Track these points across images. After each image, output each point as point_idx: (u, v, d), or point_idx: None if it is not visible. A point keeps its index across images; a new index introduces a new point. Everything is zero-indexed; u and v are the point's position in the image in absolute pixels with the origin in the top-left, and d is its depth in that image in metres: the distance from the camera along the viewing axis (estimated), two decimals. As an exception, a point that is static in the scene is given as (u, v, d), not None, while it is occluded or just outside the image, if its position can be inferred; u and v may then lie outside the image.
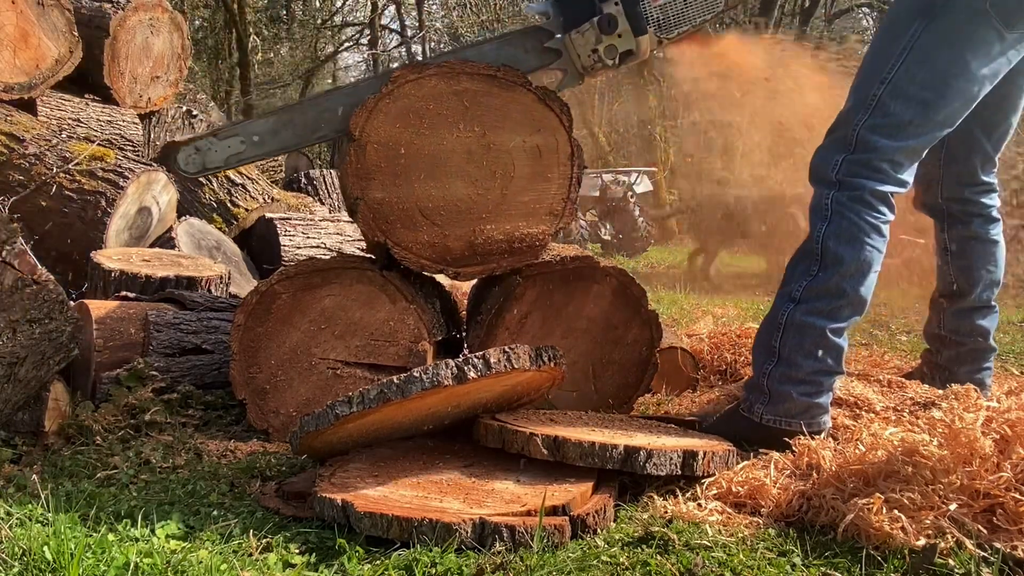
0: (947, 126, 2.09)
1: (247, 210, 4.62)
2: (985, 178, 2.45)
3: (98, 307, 2.70)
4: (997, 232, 2.49)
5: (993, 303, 2.53)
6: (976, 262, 2.48)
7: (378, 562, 1.52)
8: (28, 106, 4.19)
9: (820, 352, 2.09)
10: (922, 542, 1.57)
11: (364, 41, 20.70)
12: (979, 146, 2.39)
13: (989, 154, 2.42)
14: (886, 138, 2.04)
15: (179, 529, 1.65)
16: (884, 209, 2.09)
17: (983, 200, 2.46)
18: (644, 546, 1.61)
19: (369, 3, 19.80)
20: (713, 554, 1.57)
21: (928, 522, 1.61)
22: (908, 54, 2.03)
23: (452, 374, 1.75)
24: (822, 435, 2.13)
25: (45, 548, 1.44)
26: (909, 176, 2.11)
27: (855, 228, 2.06)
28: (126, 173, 3.87)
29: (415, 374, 1.74)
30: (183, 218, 4.23)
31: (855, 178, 2.07)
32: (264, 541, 1.60)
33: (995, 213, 2.48)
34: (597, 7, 2.43)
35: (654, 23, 2.42)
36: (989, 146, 2.40)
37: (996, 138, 2.39)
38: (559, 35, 2.50)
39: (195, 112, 5.60)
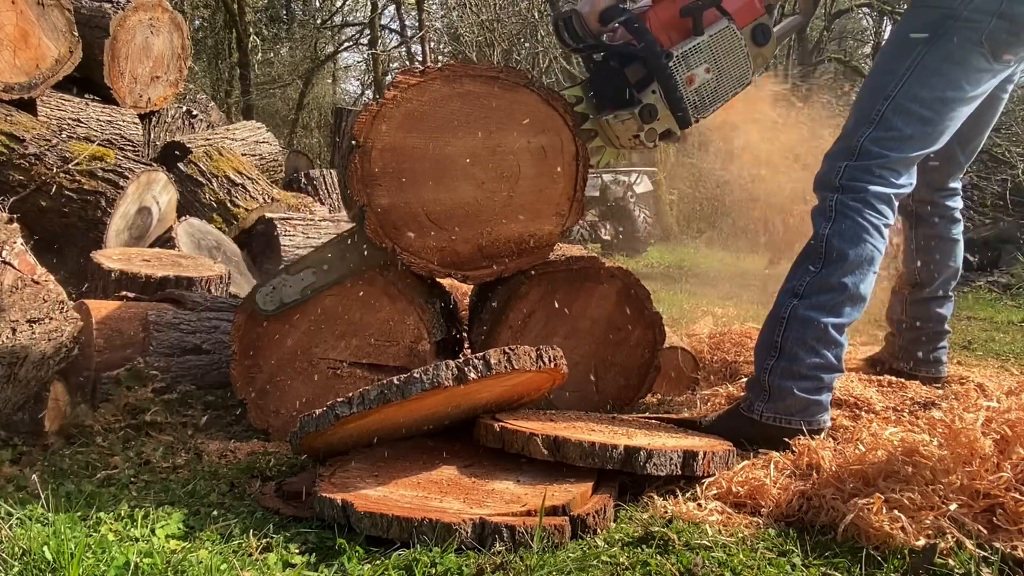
0: (941, 141, 2.24)
1: (247, 210, 4.62)
2: (952, 184, 2.70)
3: (98, 307, 2.70)
4: (958, 232, 2.74)
5: (950, 293, 2.77)
6: (938, 258, 2.72)
7: (378, 562, 1.52)
8: (28, 106, 4.19)
9: (821, 347, 2.13)
10: (922, 542, 1.57)
11: (364, 41, 20.69)
12: (953, 157, 2.60)
13: (960, 164, 2.66)
14: (888, 150, 2.17)
15: (179, 529, 1.65)
16: (885, 210, 2.18)
17: (948, 203, 2.71)
18: (644, 546, 1.61)
19: (369, 3, 19.80)
20: (713, 554, 1.57)
21: (928, 522, 1.61)
22: (911, 75, 2.16)
23: (452, 375, 1.74)
24: (821, 434, 2.14)
25: (45, 548, 1.44)
26: (907, 180, 2.22)
27: (857, 227, 2.14)
28: (126, 173, 3.88)
29: (415, 375, 1.74)
30: (183, 218, 4.23)
31: (857, 182, 2.17)
32: (264, 541, 1.60)
33: (958, 215, 2.73)
34: (634, 97, 2.42)
35: (691, 106, 2.43)
36: (962, 157, 2.64)
37: (969, 151, 2.64)
38: (593, 116, 2.52)
39: (195, 112, 5.60)
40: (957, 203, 2.73)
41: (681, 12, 2.38)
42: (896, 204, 2.20)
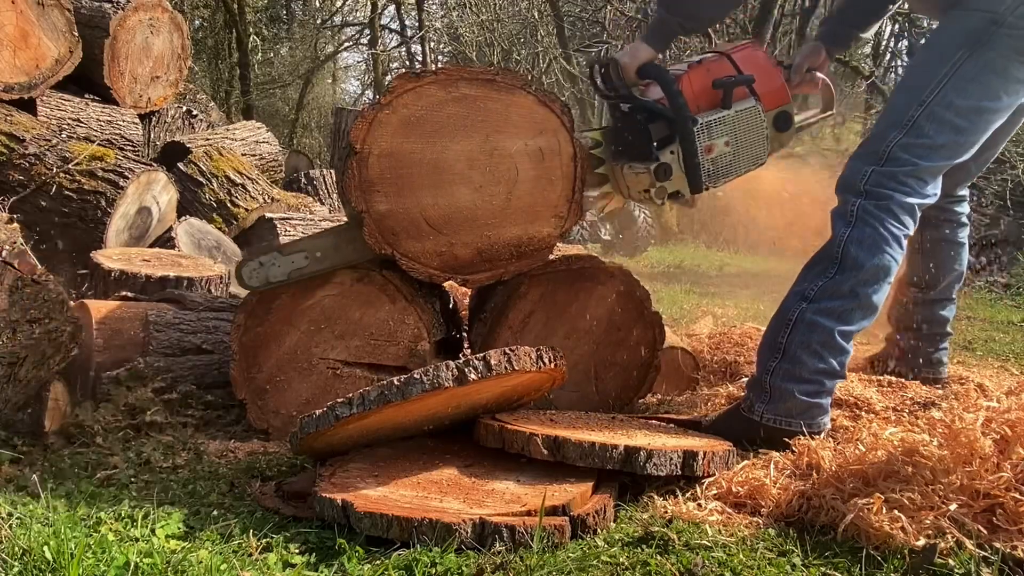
0: (971, 151, 2.20)
1: (247, 210, 4.62)
2: (960, 192, 2.69)
3: (98, 307, 2.70)
4: (964, 235, 2.74)
5: (953, 296, 2.78)
6: (943, 261, 2.71)
7: (378, 562, 1.52)
8: (28, 106, 4.20)
9: (826, 352, 2.12)
10: (922, 542, 1.57)
11: (364, 41, 20.68)
12: (964, 165, 2.54)
13: (972, 173, 2.66)
14: (917, 157, 2.13)
15: (179, 529, 1.65)
16: (908, 220, 2.14)
17: (956, 208, 2.70)
18: (644, 546, 1.61)
19: (369, 3, 19.78)
20: (713, 554, 1.57)
21: (928, 522, 1.61)
22: (948, 82, 2.12)
23: (453, 376, 1.75)
24: (821, 435, 2.13)
25: (45, 548, 1.44)
26: (932, 190, 2.19)
27: (877, 236, 2.11)
28: (126, 173, 3.88)
29: (415, 376, 1.74)
30: (183, 218, 4.23)
31: (883, 188, 2.13)
32: (264, 541, 1.60)
33: (964, 219, 2.73)
34: (653, 153, 2.43)
35: (705, 173, 2.45)
36: (974, 167, 2.60)
37: (982, 161, 2.60)
38: (608, 162, 2.54)
39: (195, 112, 5.60)
40: (964, 208, 2.72)
41: (714, 83, 2.43)
42: (919, 214, 2.16)
